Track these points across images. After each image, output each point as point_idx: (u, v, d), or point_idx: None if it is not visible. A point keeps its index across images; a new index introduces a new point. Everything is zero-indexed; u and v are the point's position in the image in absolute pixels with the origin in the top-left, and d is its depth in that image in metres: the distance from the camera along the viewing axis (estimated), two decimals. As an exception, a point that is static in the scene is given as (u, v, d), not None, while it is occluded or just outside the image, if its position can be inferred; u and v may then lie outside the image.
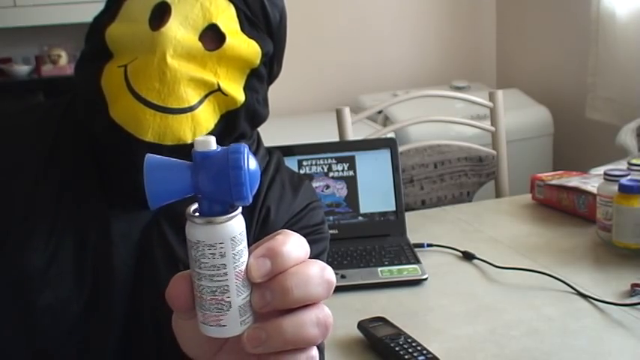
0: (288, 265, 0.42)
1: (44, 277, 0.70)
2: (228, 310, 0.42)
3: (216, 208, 0.41)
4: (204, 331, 0.43)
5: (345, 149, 1.50)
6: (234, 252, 0.41)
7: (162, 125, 0.68)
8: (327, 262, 0.88)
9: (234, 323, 0.42)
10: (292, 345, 0.43)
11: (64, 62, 2.87)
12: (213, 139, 0.41)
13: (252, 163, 0.41)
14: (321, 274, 0.44)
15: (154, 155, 0.41)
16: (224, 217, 0.41)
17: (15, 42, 2.95)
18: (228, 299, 0.41)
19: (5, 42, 2.94)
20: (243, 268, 0.42)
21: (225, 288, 0.41)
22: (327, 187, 1.47)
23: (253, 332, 0.42)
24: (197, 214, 0.42)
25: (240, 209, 0.42)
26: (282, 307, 0.42)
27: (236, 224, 0.41)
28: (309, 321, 0.43)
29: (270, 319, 0.42)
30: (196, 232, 0.41)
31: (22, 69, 2.91)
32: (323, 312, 0.44)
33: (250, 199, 0.41)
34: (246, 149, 0.41)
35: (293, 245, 0.43)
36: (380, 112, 2.68)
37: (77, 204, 0.73)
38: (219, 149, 0.41)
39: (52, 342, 0.70)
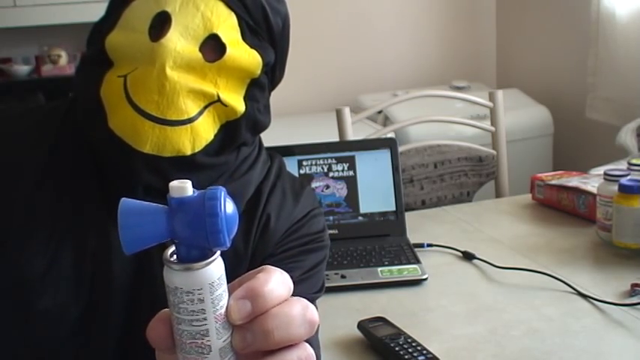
0: (270, 306, 0.41)
1: (43, 281, 0.70)
2: (208, 353, 0.41)
3: (194, 253, 0.40)
4: None
5: (345, 149, 1.50)
6: (212, 297, 0.40)
7: (161, 137, 0.68)
8: (328, 263, 0.89)
9: None
10: None
11: (64, 62, 2.86)
12: (189, 184, 0.40)
13: (229, 208, 0.40)
14: (303, 313, 0.42)
15: (129, 199, 0.40)
16: (202, 262, 0.40)
17: (15, 42, 2.95)
18: (208, 342, 0.41)
19: (5, 42, 2.93)
20: (222, 311, 0.41)
21: (205, 332, 0.40)
22: (327, 187, 1.47)
23: None
24: (174, 257, 0.41)
25: (218, 253, 0.41)
26: (264, 349, 0.42)
27: (215, 269, 0.40)
28: None
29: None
30: (174, 278, 0.40)
31: (22, 69, 2.91)
32: (305, 352, 0.43)
33: (228, 244, 0.40)
34: (222, 193, 0.40)
35: (275, 284, 0.42)
36: (380, 112, 2.68)
37: (77, 208, 0.72)
38: (195, 194, 0.40)
39: (51, 345, 0.70)
